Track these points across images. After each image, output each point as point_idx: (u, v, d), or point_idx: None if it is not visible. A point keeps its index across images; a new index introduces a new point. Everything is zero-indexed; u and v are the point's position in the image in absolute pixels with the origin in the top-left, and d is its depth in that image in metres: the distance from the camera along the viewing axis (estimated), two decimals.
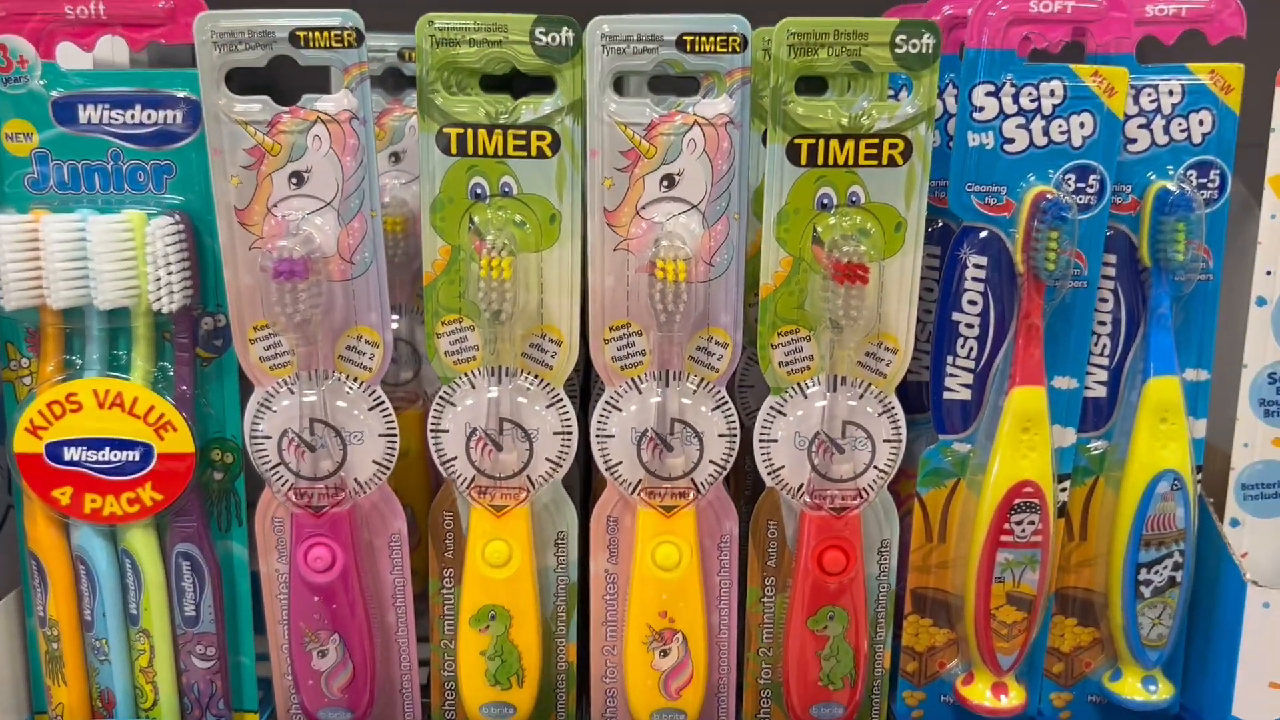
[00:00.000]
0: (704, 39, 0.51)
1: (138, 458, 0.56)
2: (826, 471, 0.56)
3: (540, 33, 0.52)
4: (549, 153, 0.53)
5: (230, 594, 0.60)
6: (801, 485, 0.57)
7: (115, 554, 0.59)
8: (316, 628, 0.58)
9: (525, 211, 0.54)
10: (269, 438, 0.56)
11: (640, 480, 0.57)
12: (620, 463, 0.57)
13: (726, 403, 0.57)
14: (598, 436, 0.57)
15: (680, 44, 0.51)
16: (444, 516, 0.59)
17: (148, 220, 0.54)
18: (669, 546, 0.57)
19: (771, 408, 0.57)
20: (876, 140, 0.53)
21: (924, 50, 0.52)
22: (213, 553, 0.59)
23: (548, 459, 0.57)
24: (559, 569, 0.59)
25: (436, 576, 0.59)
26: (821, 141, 0.53)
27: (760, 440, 0.57)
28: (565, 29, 0.52)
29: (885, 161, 0.53)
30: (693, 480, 0.57)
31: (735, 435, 0.57)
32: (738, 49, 0.51)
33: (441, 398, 0.56)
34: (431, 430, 0.57)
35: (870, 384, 0.56)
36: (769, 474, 0.57)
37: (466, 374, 0.56)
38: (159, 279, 0.54)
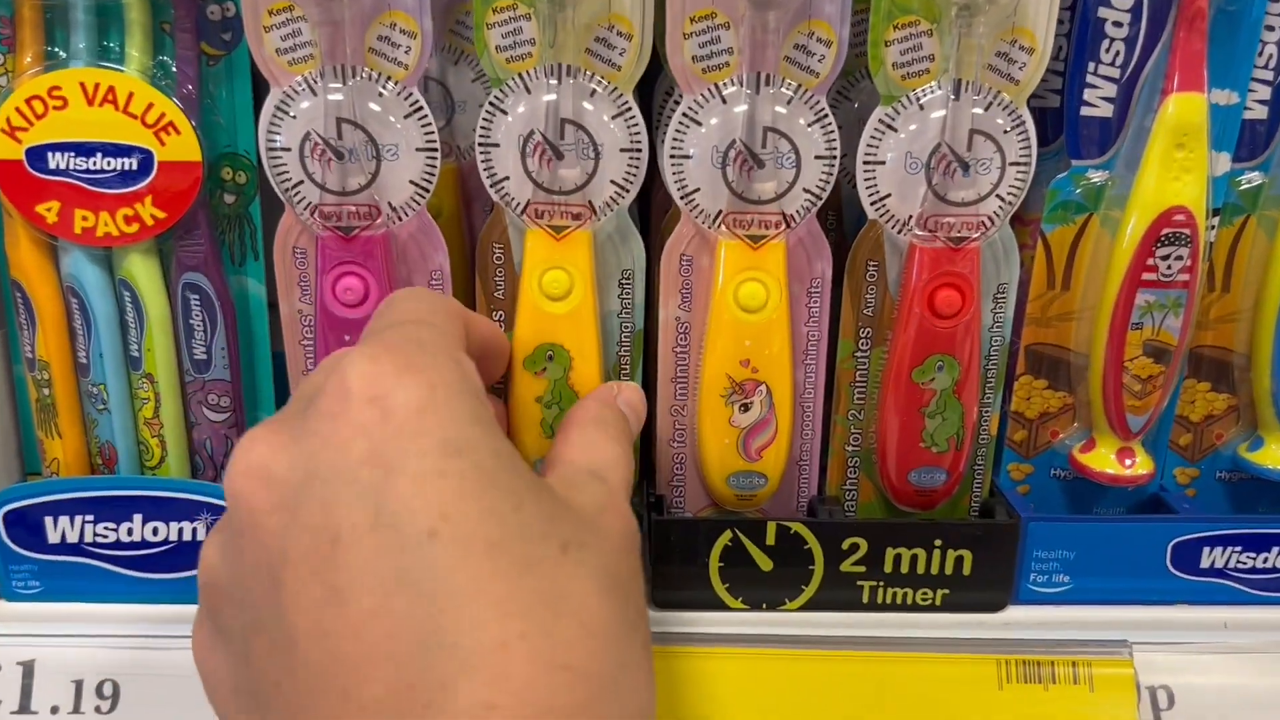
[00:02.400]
0: None
1: (135, 166, 0.48)
2: (945, 193, 0.48)
3: None
4: None
5: (246, 337, 0.53)
6: (911, 217, 0.49)
7: (112, 284, 0.50)
8: None
9: None
10: (288, 149, 0.48)
11: (721, 210, 0.48)
12: (698, 189, 0.48)
13: (827, 116, 0.48)
14: (673, 157, 0.48)
15: None
16: (493, 250, 0.50)
17: None
18: (754, 284, 0.49)
19: (881, 121, 0.48)
20: None
21: None
22: (225, 286, 0.51)
23: (613, 181, 0.48)
24: (623, 313, 0.51)
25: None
26: None
27: (866, 162, 0.48)
28: None
29: None
30: (783, 212, 0.48)
31: (835, 157, 0.48)
32: None
33: (492, 104, 0.48)
34: (481, 144, 0.48)
35: (1000, 92, 0.47)
36: (873, 204, 0.49)
37: (521, 74, 0.47)
38: None
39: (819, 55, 0.47)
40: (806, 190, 0.49)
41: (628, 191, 0.48)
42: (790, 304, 0.50)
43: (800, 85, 0.47)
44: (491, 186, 0.48)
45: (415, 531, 0.30)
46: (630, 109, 0.48)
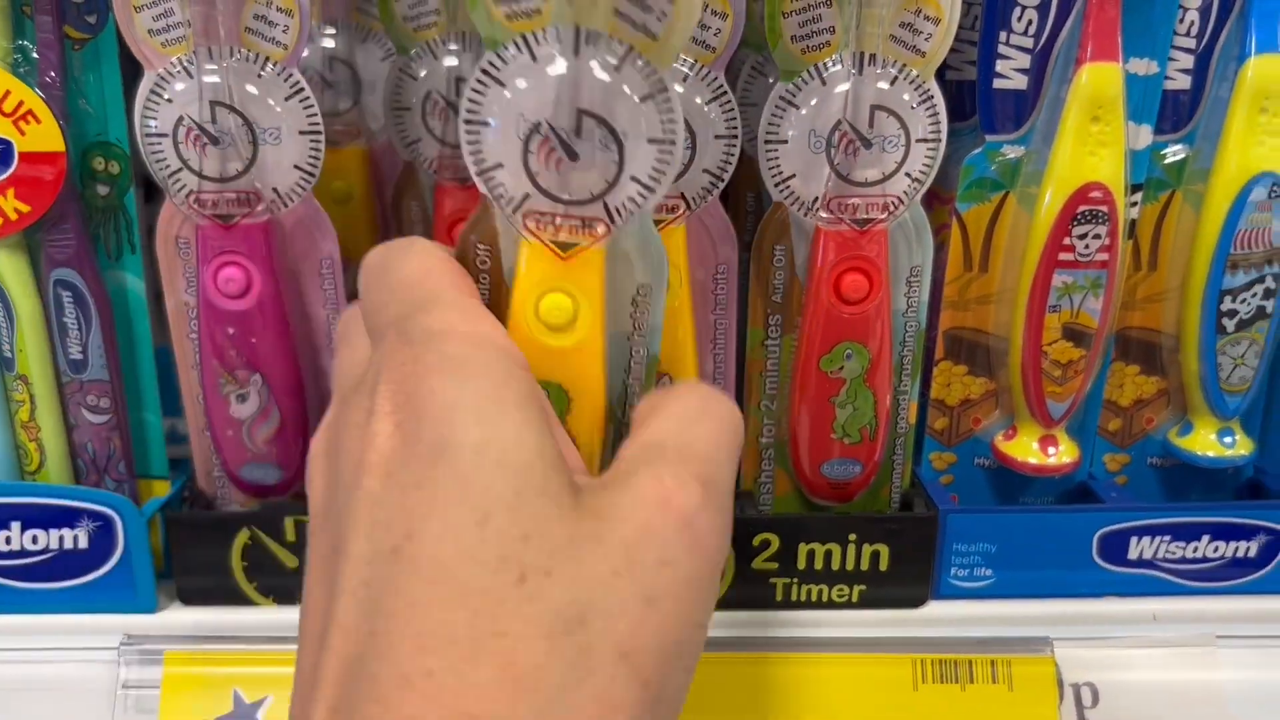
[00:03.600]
0: None
1: None
2: (849, 173, 0.45)
3: None
4: None
5: (126, 334, 0.50)
6: (816, 198, 0.46)
7: None
8: (233, 366, 0.48)
9: None
10: (164, 135, 0.45)
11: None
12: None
13: (725, 93, 0.46)
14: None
15: None
16: (477, 251, 0.38)
17: None
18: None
19: (781, 99, 0.46)
20: None
21: None
22: (99, 281, 0.49)
23: (635, 178, 0.35)
24: (636, 335, 0.40)
25: None
26: None
27: (767, 142, 0.46)
28: None
29: None
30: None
31: (735, 137, 0.46)
32: None
33: (484, 71, 0.35)
34: (467, 121, 0.35)
35: (906, 65, 0.45)
36: (777, 185, 0.46)
37: (525, 35, 0.35)
38: None
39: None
40: (706, 171, 0.46)
41: (653, 190, 0.36)
42: (693, 291, 0.48)
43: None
44: (479, 175, 0.36)
45: (384, 548, 0.29)
46: (665, 91, 0.35)
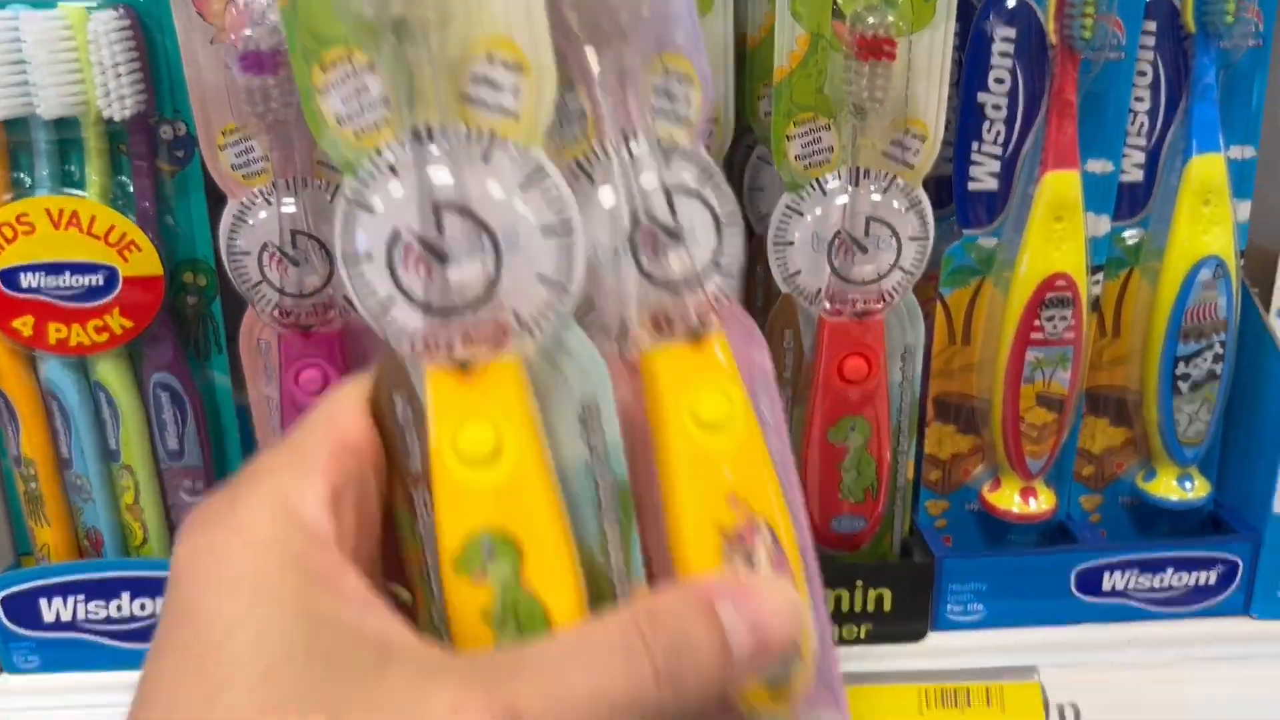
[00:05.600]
0: None
1: (101, 282, 0.52)
2: (847, 274, 0.52)
3: None
4: None
5: (215, 425, 0.57)
6: (820, 290, 0.53)
7: (87, 386, 0.55)
8: None
9: None
10: (248, 253, 0.52)
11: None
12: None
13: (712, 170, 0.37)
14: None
15: None
16: (394, 403, 0.34)
17: (88, 15, 0.48)
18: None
19: (788, 207, 0.52)
20: None
21: None
22: (192, 381, 0.55)
23: (540, 274, 0.33)
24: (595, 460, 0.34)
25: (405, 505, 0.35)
26: None
27: (776, 244, 0.53)
28: None
29: None
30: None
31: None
32: None
33: (347, 199, 0.32)
34: (342, 255, 0.32)
35: (896, 176, 0.51)
36: (785, 279, 0.53)
37: (377, 148, 0.33)
38: (106, 83, 0.49)
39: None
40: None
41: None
42: None
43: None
44: (368, 313, 0.33)
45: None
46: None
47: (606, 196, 0.35)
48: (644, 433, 0.34)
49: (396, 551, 0.35)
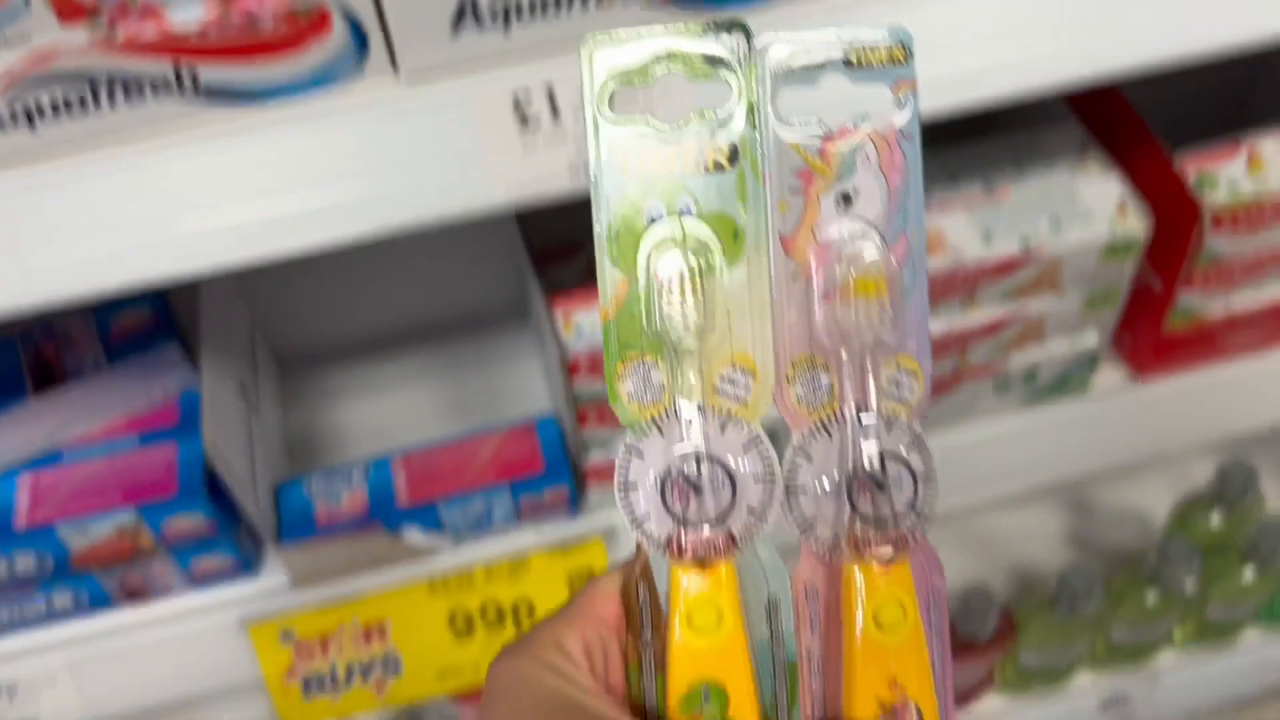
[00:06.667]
0: (869, 51, 0.48)
1: None
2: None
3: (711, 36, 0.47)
4: (727, 165, 0.48)
5: None
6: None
7: None
8: None
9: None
10: None
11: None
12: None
13: (921, 439, 0.49)
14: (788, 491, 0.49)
15: (846, 60, 0.48)
16: (639, 589, 0.48)
17: None
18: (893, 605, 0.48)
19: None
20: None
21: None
22: None
23: (749, 507, 0.47)
24: (774, 642, 0.48)
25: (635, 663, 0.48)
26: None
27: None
28: (737, 30, 0.47)
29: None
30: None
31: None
32: (903, 60, 0.48)
33: (627, 447, 0.48)
34: (619, 487, 0.47)
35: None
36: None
37: (654, 417, 0.48)
38: None
39: (908, 386, 0.50)
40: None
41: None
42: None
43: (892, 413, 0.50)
44: (634, 525, 0.47)
45: None
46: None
47: (838, 451, 0.49)
48: (835, 619, 0.48)
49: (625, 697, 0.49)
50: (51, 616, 0.92)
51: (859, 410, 0.48)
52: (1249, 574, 1.26)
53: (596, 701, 0.45)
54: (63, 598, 0.91)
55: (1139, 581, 1.27)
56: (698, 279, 0.47)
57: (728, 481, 0.47)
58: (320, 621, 0.95)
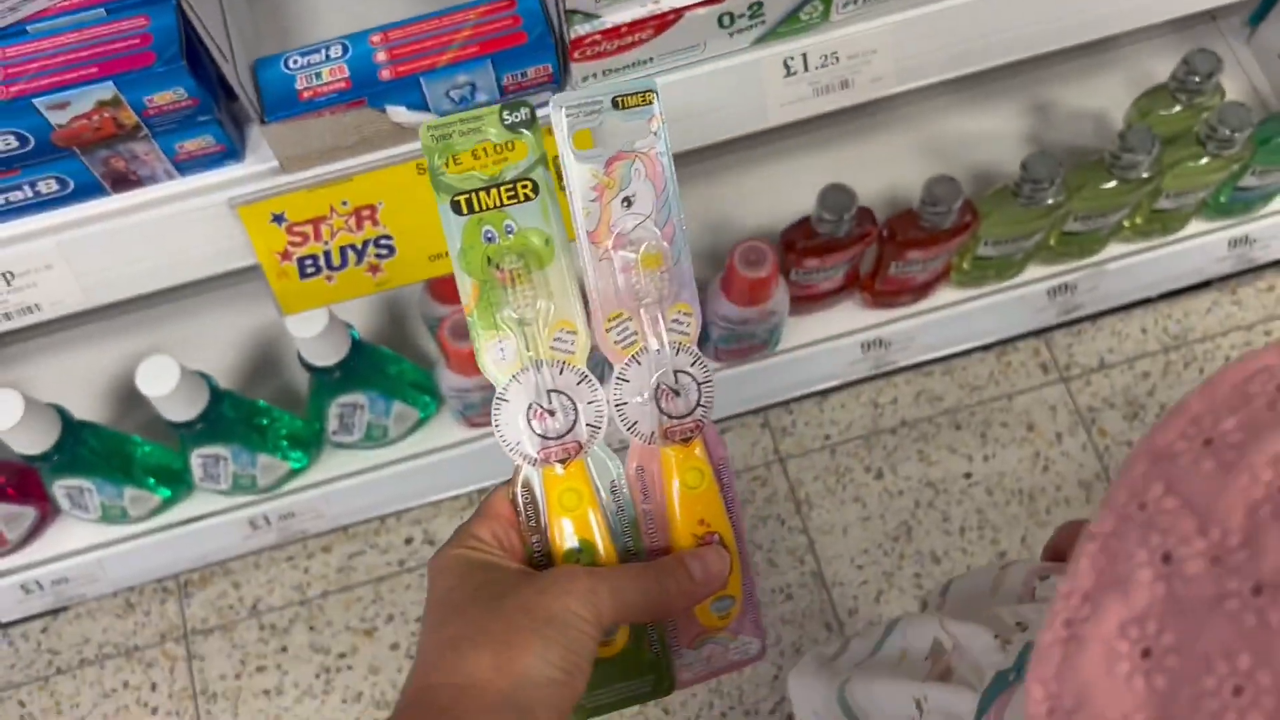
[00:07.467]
0: (630, 97, 0.67)
1: None
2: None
3: (506, 114, 0.64)
4: (532, 195, 0.65)
5: None
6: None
7: None
8: None
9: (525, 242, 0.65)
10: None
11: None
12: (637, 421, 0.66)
13: (700, 358, 0.67)
14: (616, 405, 0.65)
15: (614, 103, 0.67)
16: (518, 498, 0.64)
17: None
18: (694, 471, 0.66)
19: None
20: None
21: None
22: None
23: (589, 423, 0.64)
24: (617, 508, 0.66)
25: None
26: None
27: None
28: (523, 108, 0.65)
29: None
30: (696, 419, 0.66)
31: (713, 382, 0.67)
32: (653, 101, 0.68)
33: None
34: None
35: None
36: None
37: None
38: None
39: (686, 323, 0.66)
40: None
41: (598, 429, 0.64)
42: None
43: (679, 343, 0.66)
44: (506, 448, 0.63)
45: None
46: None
47: (646, 373, 0.66)
48: (659, 486, 0.66)
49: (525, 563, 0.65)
50: (40, 204, 0.90)
51: (656, 344, 0.65)
52: (1204, 158, 1.26)
53: (504, 560, 0.60)
54: (48, 183, 0.87)
55: (1099, 169, 1.26)
56: (528, 274, 0.64)
57: (571, 406, 0.65)
58: (311, 203, 0.93)
